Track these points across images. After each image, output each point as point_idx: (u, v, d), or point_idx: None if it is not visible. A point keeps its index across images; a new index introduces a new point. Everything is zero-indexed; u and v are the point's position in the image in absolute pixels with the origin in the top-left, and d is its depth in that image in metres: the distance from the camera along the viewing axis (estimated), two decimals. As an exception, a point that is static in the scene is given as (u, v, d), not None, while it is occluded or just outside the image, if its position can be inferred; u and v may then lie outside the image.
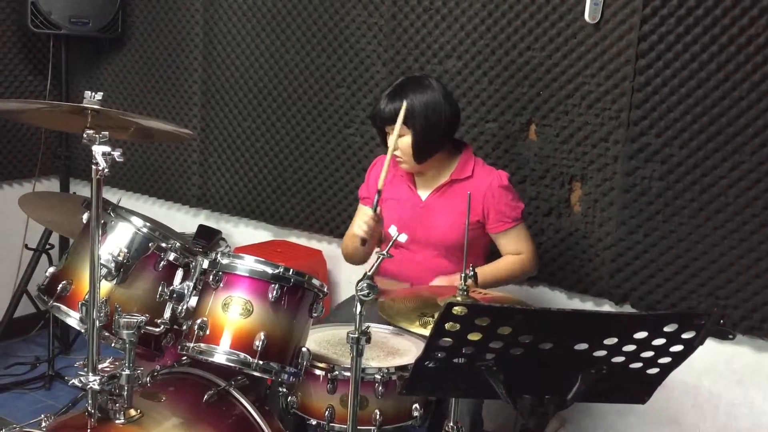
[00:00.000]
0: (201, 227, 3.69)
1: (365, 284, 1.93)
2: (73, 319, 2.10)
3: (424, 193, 2.68)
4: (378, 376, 2.12)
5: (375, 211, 2.46)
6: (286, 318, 2.08)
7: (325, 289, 2.17)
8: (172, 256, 2.15)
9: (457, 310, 1.49)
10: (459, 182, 2.63)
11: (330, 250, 3.52)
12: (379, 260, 2.02)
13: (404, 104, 2.47)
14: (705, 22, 2.56)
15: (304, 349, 2.11)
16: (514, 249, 2.63)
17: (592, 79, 2.78)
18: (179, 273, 2.16)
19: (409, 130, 2.52)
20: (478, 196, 2.58)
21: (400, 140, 2.55)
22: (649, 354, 1.61)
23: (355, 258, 2.74)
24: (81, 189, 4.04)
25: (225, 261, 2.09)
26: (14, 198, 2.88)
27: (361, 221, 2.50)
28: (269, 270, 2.07)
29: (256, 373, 2.05)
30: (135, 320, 1.96)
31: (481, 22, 2.97)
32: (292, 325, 2.10)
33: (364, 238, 2.50)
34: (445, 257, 2.62)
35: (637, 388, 1.73)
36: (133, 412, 1.97)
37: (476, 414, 2.42)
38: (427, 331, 1.87)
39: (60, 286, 2.11)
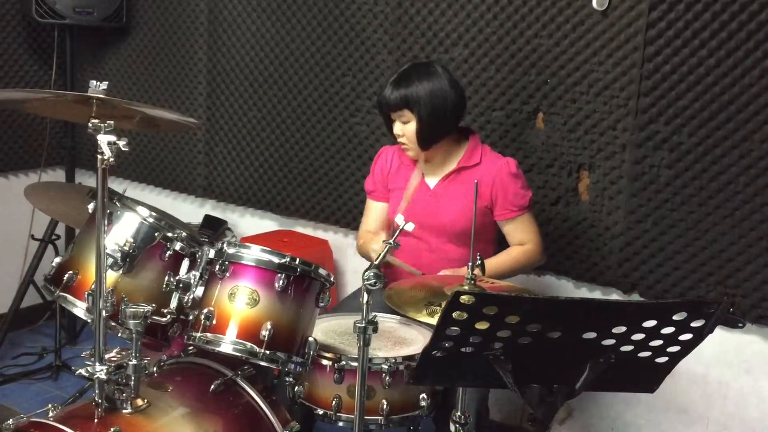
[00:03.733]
0: (207, 217, 3.73)
1: (372, 273, 1.93)
2: (79, 309, 2.10)
3: (432, 181, 2.66)
4: (385, 366, 2.11)
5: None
6: (292, 308, 2.08)
7: (332, 279, 2.17)
8: (178, 246, 2.14)
9: (464, 299, 1.48)
10: (467, 169, 2.62)
11: (336, 239, 3.51)
12: (385, 250, 2.02)
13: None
14: (714, 7, 2.53)
15: (310, 339, 2.11)
16: (519, 238, 2.62)
17: (600, 67, 2.76)
18: (185, 263, 2.16)
19: (414, 117, 2.51)
20: (487, 183, 2.57)
21: (405, 127, 2.54)
22: (658, 342, 1.60)
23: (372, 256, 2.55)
24: (86, 179, 4.04)
25: (231, 250, 2.09)
26: (20, 188, 2.87)
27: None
28: (275, 259, 2.07)
29: (262, 363, 2.05)
30: (141, 310, 1.97)
31: (487, 9, 2.95)
32: (299, 314, 2.09)
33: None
34: (455, 244, 2.61)
35: (646, 377, 1.72)
36: (140, 401, 1.98)
37: (482, 404, 2.41)
38: (434, 321, 1.86)
39: (66, 276, 2.11)
